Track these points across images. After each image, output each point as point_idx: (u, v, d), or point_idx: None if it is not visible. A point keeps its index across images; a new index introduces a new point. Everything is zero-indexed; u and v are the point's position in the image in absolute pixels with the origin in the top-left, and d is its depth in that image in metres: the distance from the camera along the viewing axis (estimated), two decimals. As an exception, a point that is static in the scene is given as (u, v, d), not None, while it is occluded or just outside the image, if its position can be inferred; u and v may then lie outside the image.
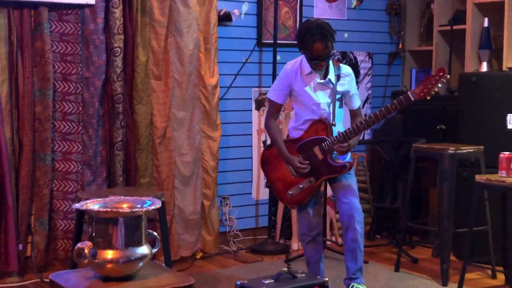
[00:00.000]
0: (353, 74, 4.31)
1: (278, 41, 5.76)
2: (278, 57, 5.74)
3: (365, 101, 6.53)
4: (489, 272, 5.08)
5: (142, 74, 5.06)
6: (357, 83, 6.48)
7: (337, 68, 4.24)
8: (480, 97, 5.30)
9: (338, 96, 4.24)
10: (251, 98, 5.88)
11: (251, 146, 5.90)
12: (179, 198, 5.30)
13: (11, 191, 4.66)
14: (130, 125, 5.05)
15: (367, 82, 6.54)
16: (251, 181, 5.93)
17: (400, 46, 6.71)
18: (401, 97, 4.07)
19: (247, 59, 5.81)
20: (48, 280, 2.90)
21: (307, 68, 4.18)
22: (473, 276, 5.05)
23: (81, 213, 4.20)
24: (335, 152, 4.19)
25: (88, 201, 2.75)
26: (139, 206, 2.71)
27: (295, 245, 5.76)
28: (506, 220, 4.59)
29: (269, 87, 4.51)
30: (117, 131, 5.00)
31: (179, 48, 5.22)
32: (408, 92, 4.07)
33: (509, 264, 4.57)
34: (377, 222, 6.22)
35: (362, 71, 6.51)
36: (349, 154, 4.31)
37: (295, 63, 4.25)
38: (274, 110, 4.31)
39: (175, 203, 5.29)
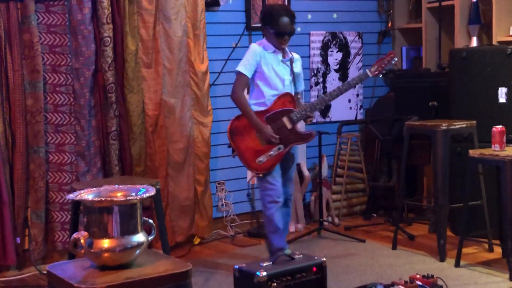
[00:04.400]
0: (301, 60, 4.78)
1: (267, 24, 5.74)
2: (267, 40, 5.72)
3: (357, 81, 6.52)
4: (486, 246, 5.12)
5: (132, 63, 5.06)
6: (348, 63, 6.48)
7: (290, 53, 4.68)
8: (471, 72, 5.31)
9: (294, 76, 4.66)
10: (243, 83, 5.86)
11: (245, 130, 5.89)
12: (172, 185, 5.31)
13: (6, 185, 4.67)
14: (123, 114, 5.05)
15: (358, 62, 6.53)
16: (246, 166, 5.92)
17: (390, 25, 6.70)
18: (361, 73, 4.79)
19: (236, 44, 5.79)
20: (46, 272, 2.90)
21: (270, 48, 4.58)
22: (470, 250, 5.08)
23: (77, 203, 4.20)
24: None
25: (82, 191, 2.74)
26: (133, 194, 2.71)
27: (292, 227, 5.78)
28: (500, 194, 4.61)
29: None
30: (111, 120, 5.00)
31: (168, 36, 5.21)
32: (367, 70, 4.72)
33: (505, 237, 4.59)
34: (372, 201, 6.25)
35: (352, 51, 6.50)
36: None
37: (259, 44, 4.61)
38: (243, 83, 4.58)
39: (169, 190, 5.30)
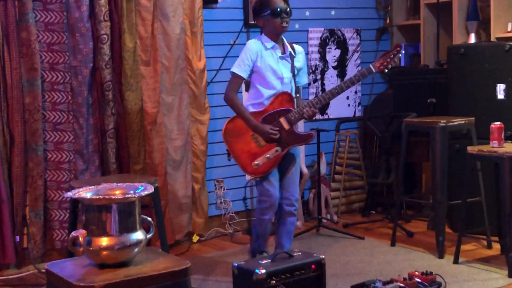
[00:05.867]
0: (304, 52, 4.53)
1: (265, 22, 5.72)
2: (265, 38, 5.71)
3: (355, 78, 6.51)
4: (485, 242, 5.12)
5: (130, 60, 5.05)
6: (346, 60, 6.48)
7: (291, 47, 4.43)
8: (469, 69, 5.31)
9: (295, 72, 4.44)
10: (241, 80, 5.85)
11: (243, 128, 5.88)
12: (171, 183, 5.31)
13: (5, 184, 4.66)
14: (121, 112, 5.04)
15: (356, 59, 6.53)
16: (245, 163, 5.91)
17: (388, 21, 6.70)
18: (364, 69, 4.41)
19: (234, 41, 5.78)
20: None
21: (269, 42, 4.34)
22: (468, 247, 5.08)
23: (76, 202, 4.19)
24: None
25: (81, 189, 2.74)
26: (131, 192, 2.71)
27: (291, 224, 5.76)
28: (499, 190, 4.61)
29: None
30: (108, 118, 4.99)
31: (166, 33, 5.20)
32: (370, 65, 4.40)
33: (504, 233, 4.59)
34: (371, 198, 6.25)
35: (350, 48, 6.50)
36: None
37: (256, 41, 4.37)
38: (237, 85, 4.37)
39: (168, 188, 5.29)
